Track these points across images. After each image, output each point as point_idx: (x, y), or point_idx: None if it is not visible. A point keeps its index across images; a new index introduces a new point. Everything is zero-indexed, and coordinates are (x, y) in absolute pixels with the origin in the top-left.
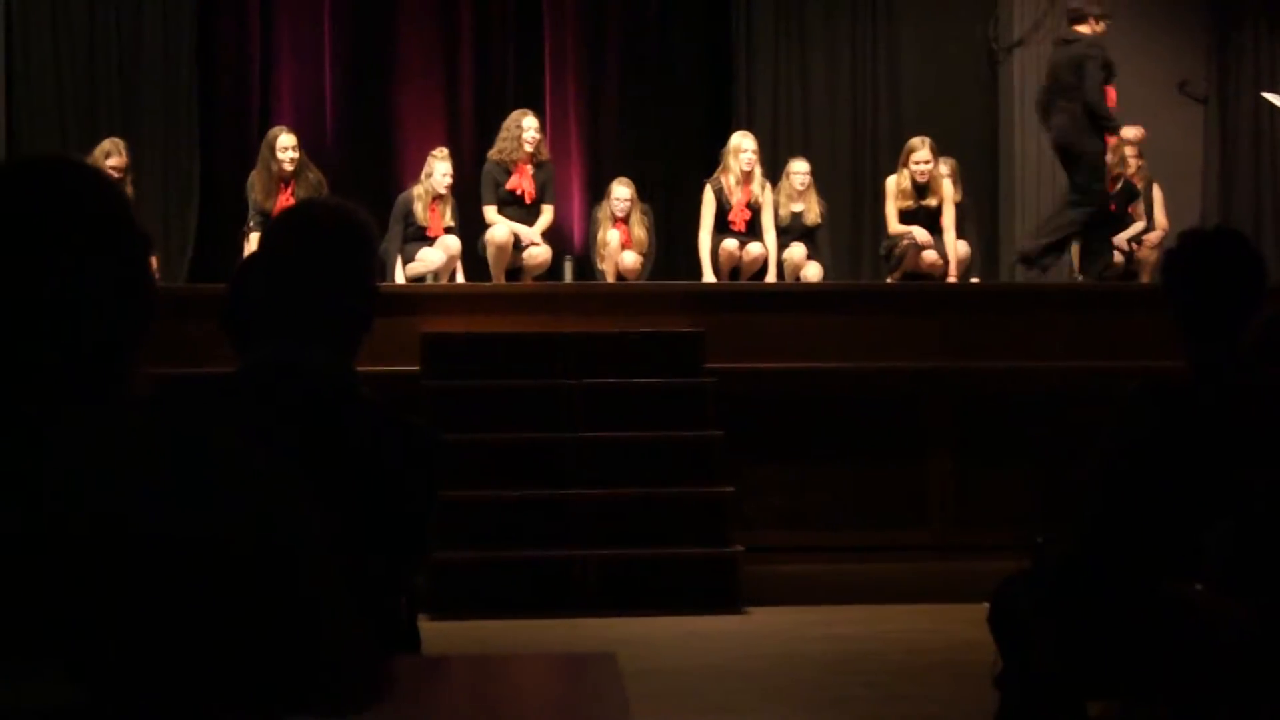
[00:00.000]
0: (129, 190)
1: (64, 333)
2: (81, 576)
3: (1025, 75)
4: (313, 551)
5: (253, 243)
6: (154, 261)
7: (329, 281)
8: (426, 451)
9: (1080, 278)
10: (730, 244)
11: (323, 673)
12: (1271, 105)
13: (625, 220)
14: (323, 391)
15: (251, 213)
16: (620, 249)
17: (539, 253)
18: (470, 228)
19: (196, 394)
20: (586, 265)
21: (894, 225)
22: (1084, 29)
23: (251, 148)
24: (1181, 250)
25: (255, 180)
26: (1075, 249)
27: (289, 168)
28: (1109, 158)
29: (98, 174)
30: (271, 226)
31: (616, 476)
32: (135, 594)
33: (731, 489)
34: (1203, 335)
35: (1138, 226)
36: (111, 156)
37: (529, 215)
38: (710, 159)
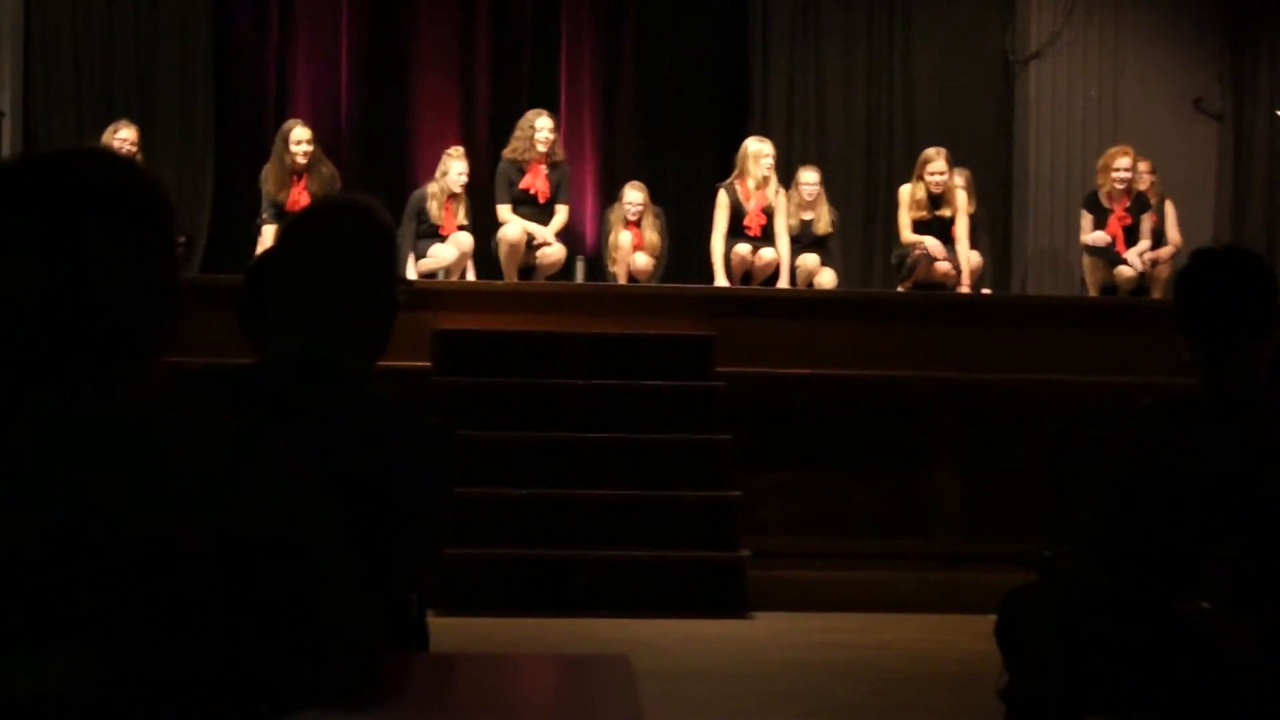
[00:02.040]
0: None
1: (81, 327)
2: (98, 571)
3: (1041, 88)
4: (329, 547)
5: (266, 235)
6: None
7: (349, 279)
8: (441, 450)
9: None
10: (743, 248)
11: (333, 666)
12: None
13: (637, 223)
14: (339, 387)
15: (265, 205)
16: (632, 251)
17: (552, 252)
18: (483, 226)
19: (213, 388)
20: (599, 266)
21: (907, 235)
22: None
23: (267, 140)
24: (1194, 268)
25: (269, 172)
26: (1085, 262)
27: (302, 161)
28: (1126, 173)
29: (133, 168)
30: (290, 223)
31: (624, 478)
32: (150, 589)
33: (739, 493)
34: (1215, 353)
35: (1147, 243)
36: (121, 131)
37: (543, 215)
38: (723, 164)
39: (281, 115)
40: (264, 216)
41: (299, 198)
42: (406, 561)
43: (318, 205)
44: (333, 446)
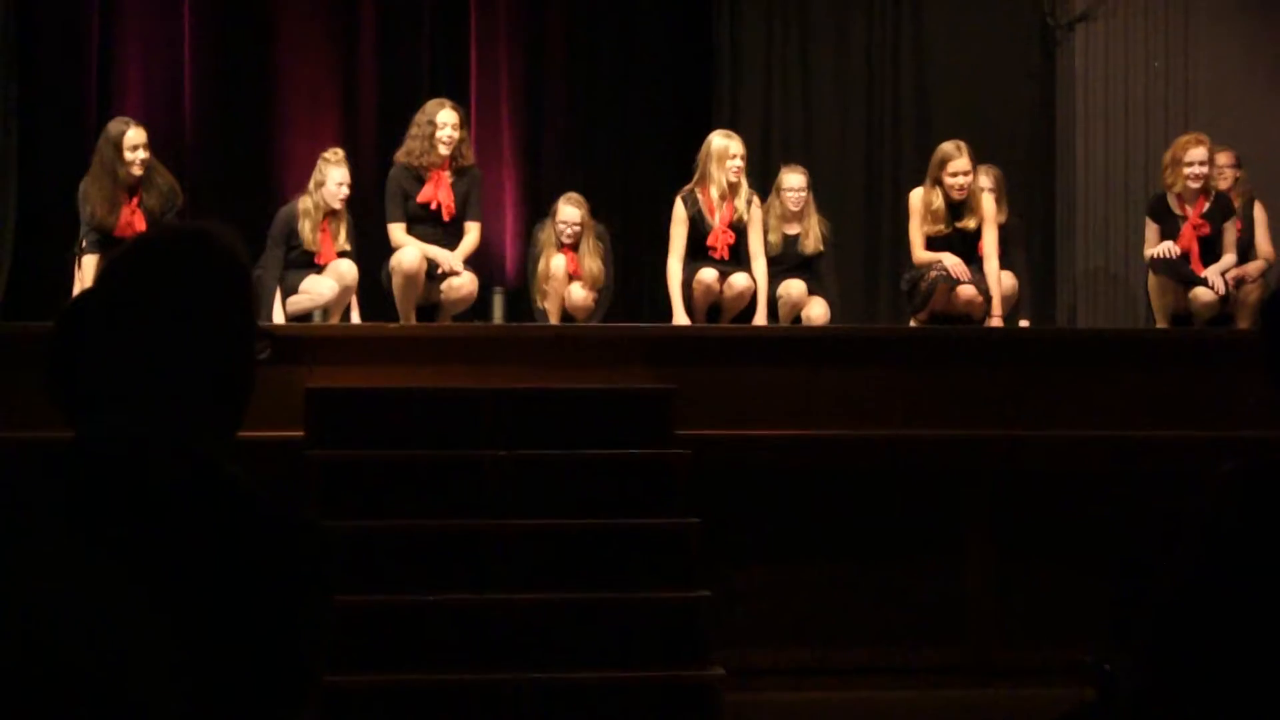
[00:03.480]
0: None
1: None
2: None
3: (1090, 60)
4: (158, 683)
5: (86, 268)
6: None
7: (191, 333)
8: (311, 552)
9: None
10: (708, 275)
11: None
12: None
13: (574, 247)
14: (177, 477)
15: (84, 229)
16: (567, 281)
17: (460, 284)
18: (371, 251)
19: (8, 478)
20: (522, 301)
21: (920, 253)
22: None
23: (86, 147)
24: None
25: (90, 189)
26: (1152, 284)
27: (138, 172)
28: (1202, 169)
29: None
30: (115, 258)
31: (559, 576)
32: None
33: (708, 594)
34: None
35: (1231, 258)
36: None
37: (447, 236)
38: (682, 168)
39: (105, 114)
40: (83, 244)
41: (130, 220)
42: (267, 701)
43: (151, 236)
44: (168, 552)
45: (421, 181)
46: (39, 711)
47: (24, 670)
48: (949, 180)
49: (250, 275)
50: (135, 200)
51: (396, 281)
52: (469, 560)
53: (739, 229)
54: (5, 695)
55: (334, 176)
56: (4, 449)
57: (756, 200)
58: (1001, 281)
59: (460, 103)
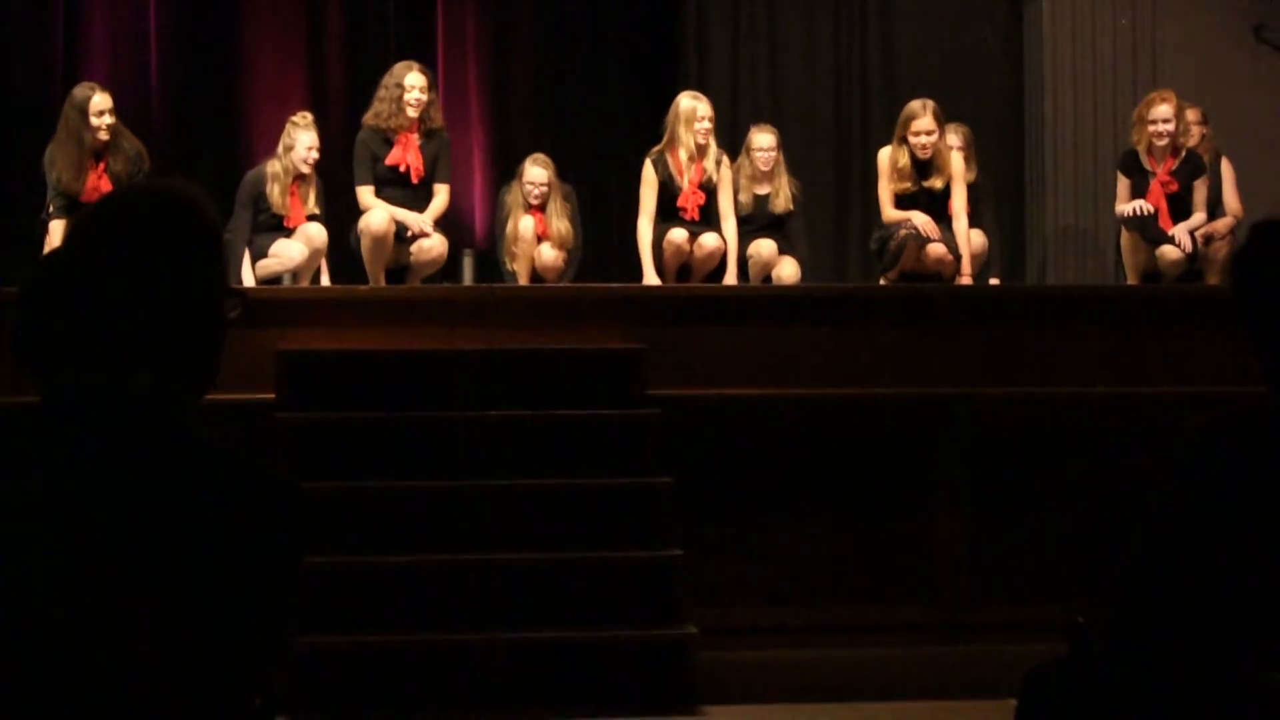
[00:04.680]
0: None
1: None
2: None
3: (1058, 18)
4: (130, 642)
5: (53, 233)
6: None
7: (160, 293)
8: (284, 509)
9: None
10: (678, 235)
11: None
12: None
13: (541, 208)
14: (147, 435)
15: (51, 194)
16: (536, 243)
17: (430, 245)
18: (340, 214)
19: None
20: (491, 263)
21: (889, 211)
22: None
23: (52, 111)
24: (1257, 244)
25: (55, 155)
26: (1124, 241)
27: (104, 137)
28: (1167, 125)
29: None
30: (83, 218)
31: (531, 537)
32: None
33: (681, 553)
34: None
35: (1200, 216)
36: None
37: (416, 198)
38: (651, 129)
39: (72, 78)
40: (50, 210)
41: (97, 184)
42: (242, 658)
43: (119, 194)
44: (137, 512)
45: (390, 144)
46: (11, 673)
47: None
48: (914, 139)
49: (220, 232)
50: (102, 165)
51: (365, 244)
52: (440, 522)
53: (709, 189)
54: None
55: (303, 140)
56: None
57: (726, 160)
58: (971, 240)
59: (428, 66)
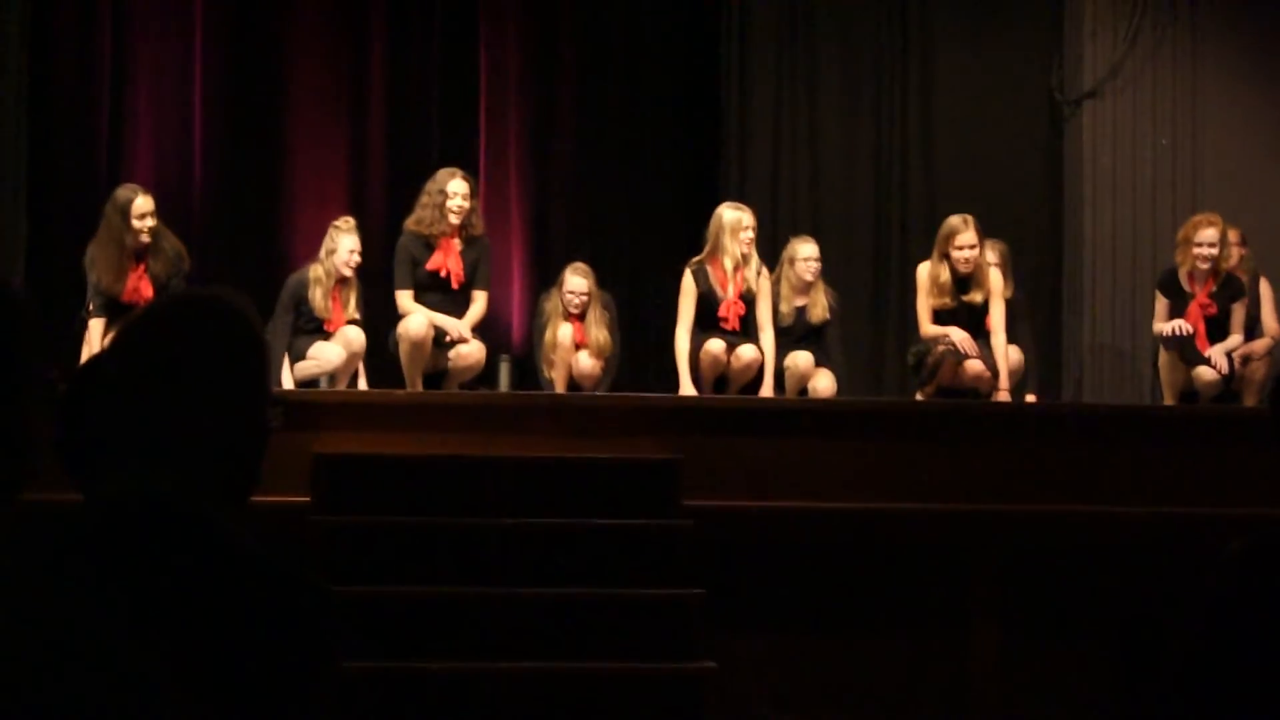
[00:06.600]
0: None
1: None
2: None
3: (1098, 135)
4: None
5: (93, 331)
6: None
7: (204, 401)
8: (316, 615)
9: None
10: (715, 345)
11: None
12: None
13: (581, 316)
14: (188, 541)
15: (91, 293)
16: (574, 350)
17: (468, 352)
18: (379, 318)
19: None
20: (529, 370)
21: (927, 327)
22: None
23: (94, 211)
24: None
25: (96, 255)
26: (1162, 361)
27: (146, 239)
28: (1212, 250)
29: None
30: (127, 326)
31: (563, 647)
32: None
33: (712, 665)
34: None
35: (1237, 338)
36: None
37: (455, 304)
38: (691, 238)
39: (115, 178)
40: (90, 308)
41: (137, 285)
42: None
43: (165, 302)
44: (175, 617)
45: (431, 249)
46: None
47: None
48: (955, 254)
49: (264, 342)
50: (142, 266)
51: (404, 348)
52: (473, 629)
53: (749, 300)
54: None
55: (345, 244)
56: (13, 509)
57: (765, 271)
58: (1009, 356)
59: (469, 172)
